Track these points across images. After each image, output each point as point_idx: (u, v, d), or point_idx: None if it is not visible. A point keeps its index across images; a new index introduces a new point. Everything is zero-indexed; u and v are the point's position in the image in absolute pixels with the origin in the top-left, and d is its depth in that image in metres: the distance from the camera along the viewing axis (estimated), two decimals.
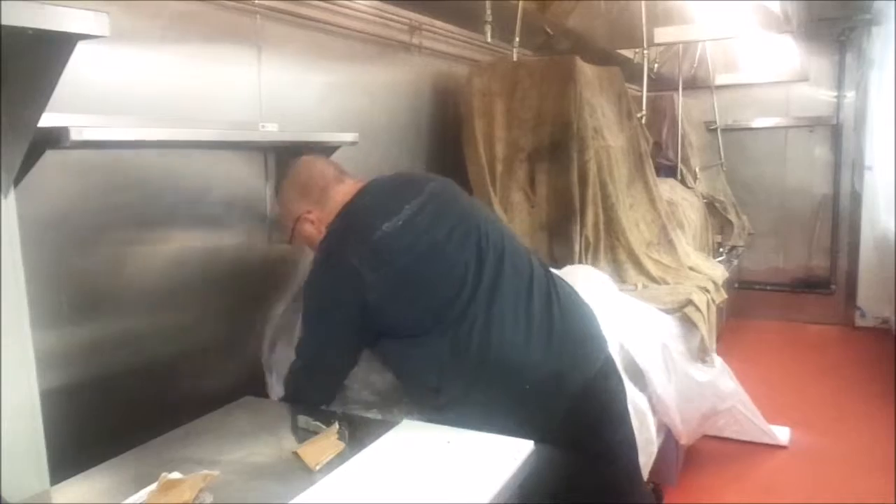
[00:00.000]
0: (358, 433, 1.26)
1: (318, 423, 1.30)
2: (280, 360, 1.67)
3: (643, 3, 3.19)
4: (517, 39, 2.87)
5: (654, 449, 2.10)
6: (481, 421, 1.26)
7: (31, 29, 0.86)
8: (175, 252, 1.60)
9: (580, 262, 2.57)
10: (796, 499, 2.69)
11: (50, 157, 1.17)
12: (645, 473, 2.02)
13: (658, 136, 4.23)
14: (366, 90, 2.30)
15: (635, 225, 2.86)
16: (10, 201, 1.08)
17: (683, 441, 2.54)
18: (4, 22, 0.83)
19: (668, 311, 2.40)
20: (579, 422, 1.38)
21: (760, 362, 4.28)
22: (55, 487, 1.14)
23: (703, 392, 2.47)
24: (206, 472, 1.08)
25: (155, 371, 1.54)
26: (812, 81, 5.13)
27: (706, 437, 2.86)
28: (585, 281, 2.12)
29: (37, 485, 1.13)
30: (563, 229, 2.58)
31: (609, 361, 1.50)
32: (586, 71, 2.67)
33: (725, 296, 2.98)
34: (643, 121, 3.24)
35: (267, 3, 1.81)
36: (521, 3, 2.82)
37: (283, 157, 1.84)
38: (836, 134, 5.25)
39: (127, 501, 1.04)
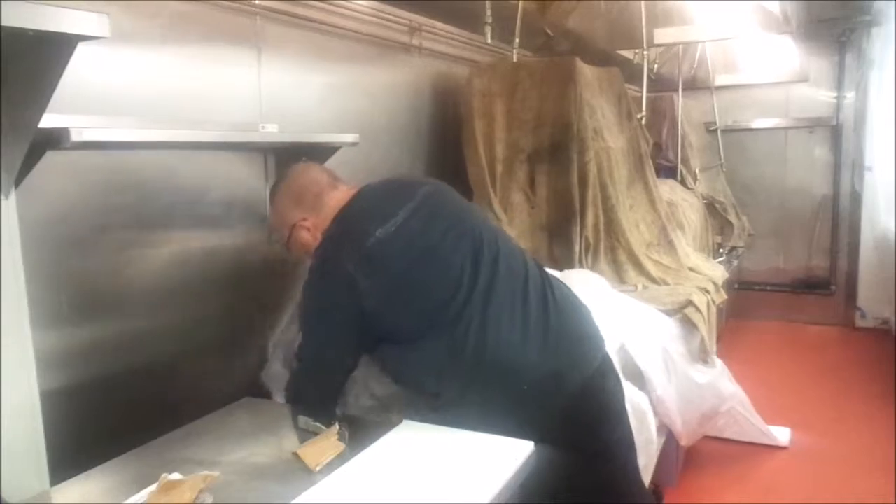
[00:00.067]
0: (358, 434, 1.26)
1: (318, 423, 1.30)
2: (279, 376, 1.67)
3: (643, 4, 3.20)
4: (517, 40, 2.88)
5: (655, 449, 2.10)
6: (479, 422, 1.26)
7: (32, 30, 0.86)
8: (175, 252, 1.60)
9: (580, 262, 2.57)
10: (796, 499, 2.69)
11: (50, 158, 1.17)
12: (647, 474, 2.02)
13: (658, 137, 4.24)
14: (366, 91, 2.30)
15: (635, 226, 2.86)
16: (11, 202, 1.08)
17: (684, 442, 2.54)
18: (5, 23, 0.83)
19: (668, 312, 2.40)
20: (577, 421, 1.38)
21: (761, 363, 4.28)
22: (55, 488, 1.14)
23: (703, 394, 2.47)
24: (206, 472, 1.08)
25: (155, 371, 1.54)
26: (812, 82, 5.14)
27: (706, 437, 2.86)
28: (583, 284, 2.12)
29: (37, 485, 1.13)
30: (563, 230, 2.58)
31: (607, 361, 1.50)
32: (586, 72, 2.67)
33: (725, 296, 2.98)
34: (643, 122, 3.24)
35: (267, 4, 1.81)
36: (520, 4, 2.82)
37: (283, 158, 1.84)
38: (836, 134, 5.25)
39: (127, 502, 1.04)
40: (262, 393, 1.71)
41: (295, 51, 1.98)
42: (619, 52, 3.97)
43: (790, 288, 5.48)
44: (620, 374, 1.69)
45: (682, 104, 4.32)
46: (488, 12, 2.70)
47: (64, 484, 1.14)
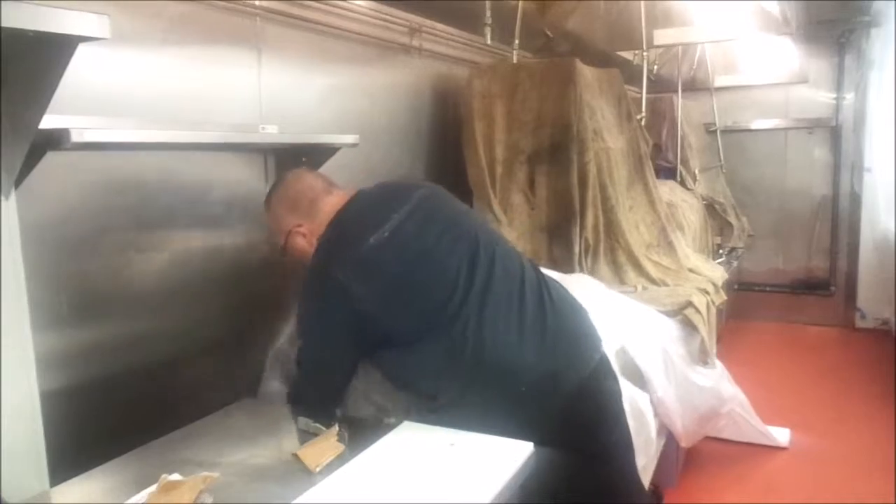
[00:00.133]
0: (358, 435, 1.26)
1: (317, 425, 1.30)
2: (276, 395, 1.67)
3: (642, 5, 3.20)
4: (517, 41, 2.88)
5: (654, 450, 2.10)
6: (478, 423, 1.27)
7: (32, 31, 0.87)
8: (175, 253, 1.60)
9: (580, 263, 2.57)
10: (796, 500, 2.69)
11: (51, 159, 1.17)
12: (647, 475, 2.02)
13: (658, 138, 4.24)
14: (366, 92, 2.30)
15: (635, 227, 2.86)
16: (11, 203, 1.08)
17: (683, 443, 2.54)
18: (5, 24, 0.83)
19: (667, 313, 2.40)
20: (575, 422, 1.38)
21: (760, 364, 4.28)
22: (55, 488, 1.14)
23: (703, 395, 2.47)
24: (206, 473, 1.09)
25: (155, 372, 1.54)
26: (811, 83, 5.14)
27: (706, 438, 2.86)
28: (582, 288, 2.12)
29: (37, 486, 1.13)
30: (562, 231, 2.59)
31: (604, 361, 1.50)
32: (586, 73, 2.68)
33: (725, 297, 2.98)
34: (643, 123, 3.25)
35: (267, 5, 1.82)
36: (520, 5, 2.83)
37: (283, 160, 1.84)
38: (836, 135, 5.26)
39: (127, 502, 1.04)
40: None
41: (295, 52, 1.98)
42: (619, 53, 3.98)
43: (790, 289, 5.48)
44: (620, 375, 1.69)
45: (682, 105, 4.32)
46: (488, 13, 2.70)
47: (64, 484, 1.14)
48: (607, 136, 2.76)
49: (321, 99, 2.09)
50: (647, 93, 3.43)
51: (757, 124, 5.49)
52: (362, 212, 1.44)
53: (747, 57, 5.03)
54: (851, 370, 4.28)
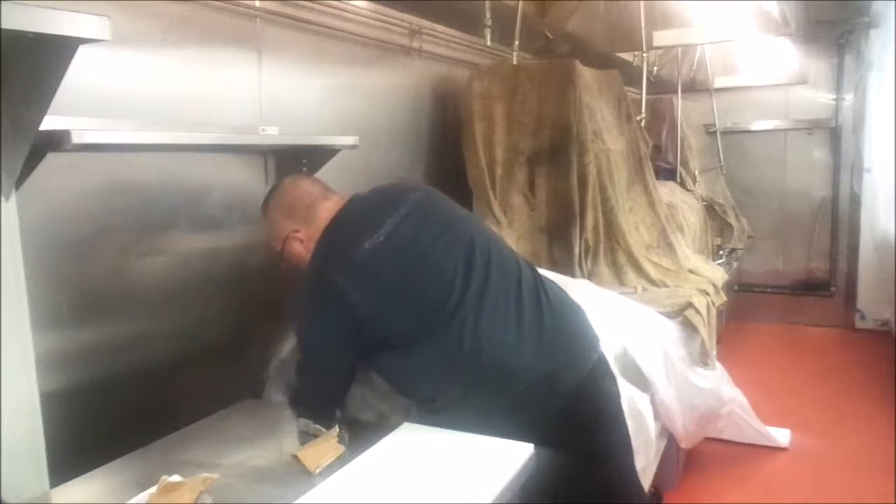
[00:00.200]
0: (358, 436, 1.27)
1: (318, 426, 1.30)
2: (280, 403, 1.68)
3: (642, 5, 3.20)
4: (517, 43, 2.88)
5: (654, 451, 2.10)
6: (476, 423, 1.27)
7: (33, 32, 0.87)
8: (175, 254, 1.60)
9: (580, 265, 2.57)
10: (797, 501, 2.69)
11: (51, 160, 1.17)
12: (647, 476, 2.02)
13: (657, 139, 4.24)
14: (366, 94, 2.31)
15: (635, 228, 2.86)
16: (12, 204, 1.08)
17: (684, 444, 2.54)
18: (5, 25, 0.83)
19: (667, 314, 2.40)
20: (573, 422, 1.38)
21: (760, 365, 4.28)
22: (55, 489, 1.14)
23: (703, 396, 2.47)
24: (206, 474, 1.09)
25: (155, 373, 1.54)
26: (811, 84, 5.14)
27: (706, 439, 2.86)
28: (582, 291, 2.12)
29: (36, 487, 1.12)
30: (562, 232, 2.59)
31: (602, 361, 1.50)
32: (586, 74, 2.68)
33: (725, 298, 2.98)
34: (642, 124, 3.25)
35: (267, 6, 1.82)
36: (520, 7, 2.83)
37: (283, 161, 1.84)
38: (835, 136, 5.26)
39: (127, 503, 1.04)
40: (262, 387, 1.71)
41: (295, 53, 1.98)
42: (619, 54, 3.98)
43: (790, 290, 5.48)
44: (620, 377, 1.69)
45: (682, 106, 4.33)
46: (488, 15, 2.71)
47: (64, 486, 1.14)
48: (607, 137, 2.76)
49: (321, 100, 2.09)
50: (647, 94, 3.43)
51: (756, 125, 5.49)
52: (357, 217, 1.44)
53: (747, 58, 5.04)
54: (851, 371, 4.28)
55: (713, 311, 2.72)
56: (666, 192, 3.61)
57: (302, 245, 1.49)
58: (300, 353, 1.47)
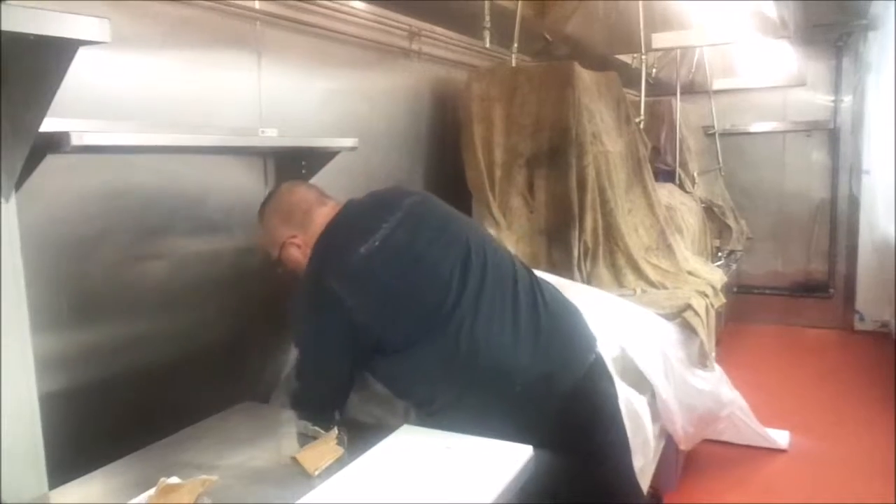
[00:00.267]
0: (357, 438, 1.26)
1: (316, 428, 1.30)
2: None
3: (640, 6, 3.21)
4: (516, 45, 2.88)
5: (652, 451, 2.10)
6: (474, 425, 1.27)
7: (33, 34, 0.87)
8: (175, 256, 1.60)
9: (579, 266, 2.57)
10: (796, 502, 2.69)
11: (51, 162, 1.17)
12: (646, 477, 2.02)
13: (656, 141, 4.24)
14: (365, 96, 2.31)
15: (634, 230, 2.86)
16: (11, 205, 1.08)
17: (683, 446, 2.54)
18: (6, 27, 0.83)
19: (667, 316, 2.40)
20: (570, 423, 1.38)
21: (760, 367, 4.28)
22: (54, 491, 1.14)
23: (702, 398, 2.47)
24: (204, 476, 1.09)
25: (154, 375, 1.54)
26: (809, 86, 5.15)
27: (706, 441, 2.86)
28: (581, 293, 2.12)
29: (35, 488, 1.13)
30: (561, 234, 2.59)
31: (599, 362, 1.50)
32: (584, 76, 2.68)
33: (724, 300, 2.98)
34: (641, 126, 3.25)
35: (267, 8, 1.82)
36: (519, 9, 2.83)
37: (283, 163, 1.84)
38: (834, 138, 5.27)
39: None
40: (261, 388, 1.71)
41: (295, 55, 1.98)
42: (618, 56, 3.98)
43: (789, 291, 5.48)
44: (619, 378, 1.69)
45: (681, 108, 4.33)
46: (487, 17, 2.71)
47: (62, 487, 1.14)
48: (606, 139, 2.76)
49: (321, 102, 2.09)
50: (646, 96, 3.44)
51: (755, 127, 5.50)
52: (352, 222, 1.45)
53: (745, 60, 5.05)
54: (850, 372, 4.28)
55: (712, 313, 2.72)
56: (665, 193, 3.61)
57: (299, 251, 1.50)
58: (298, 359, 1.47)
